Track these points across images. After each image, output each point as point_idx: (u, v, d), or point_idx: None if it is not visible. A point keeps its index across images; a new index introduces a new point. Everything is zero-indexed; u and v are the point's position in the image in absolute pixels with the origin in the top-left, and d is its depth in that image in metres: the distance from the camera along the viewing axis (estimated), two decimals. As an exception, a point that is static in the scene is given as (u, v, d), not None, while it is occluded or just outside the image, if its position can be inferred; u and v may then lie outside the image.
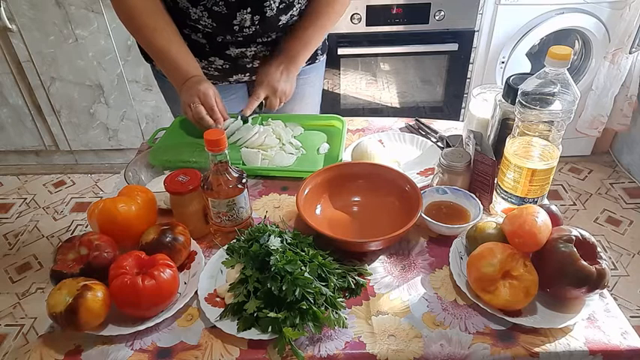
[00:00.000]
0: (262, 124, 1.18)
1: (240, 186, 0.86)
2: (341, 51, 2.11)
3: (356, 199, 1.00)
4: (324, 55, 1.40)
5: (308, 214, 0.90)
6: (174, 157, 1.07)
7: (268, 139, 1.13)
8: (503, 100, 0.96)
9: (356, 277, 0.83)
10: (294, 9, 1.14)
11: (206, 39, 1.16)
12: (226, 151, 0.83)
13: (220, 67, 1.22)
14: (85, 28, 2.14)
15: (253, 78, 1.26)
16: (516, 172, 0.88)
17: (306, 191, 0.95)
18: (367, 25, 2.06)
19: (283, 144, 1.14)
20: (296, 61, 1.19)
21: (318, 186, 0.98)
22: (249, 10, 1.07)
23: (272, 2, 1.08)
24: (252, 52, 1.21)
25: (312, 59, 1.33)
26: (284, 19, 1.14)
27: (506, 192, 0.92)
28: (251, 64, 1.23)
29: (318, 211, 0.97)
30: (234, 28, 1.10)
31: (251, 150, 1.11)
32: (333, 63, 2.17)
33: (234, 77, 1.27)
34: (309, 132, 1.21)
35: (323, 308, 0.76)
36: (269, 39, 1.20)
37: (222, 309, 0.77)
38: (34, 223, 2.28)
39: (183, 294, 0.81)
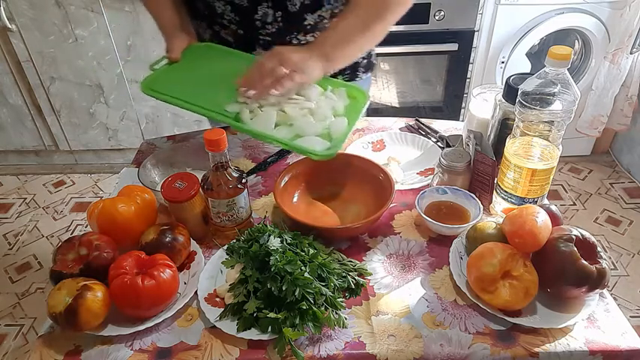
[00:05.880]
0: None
1: (240, 186, 0.86)
2: (341, 51, 2.11)
3: (333, 188, 1.02)
4: (369, 74, 1.26)
5: (287, 205, 0.94)
6: (178, 92, 0.94)
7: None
8: (504, 100, 0.96)
9: (356, 277, 0.83)
10: (324, 10, 1.05)
11: (233, 37, 1.12)
12: (226, 151, 0.83)
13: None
14: (85, 28, 2.13)
15: None
16: (516, 172, 0.88)
17: (283, 182, 0.98)
18: (367, 25, 2.06)
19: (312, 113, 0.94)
20: (324, 51, 0.94)
21: (296, 177, 1.00)
22: (270, 4, 1.03)
23: None
24: None
25: (352, 75, 1.19)
26: (310, 19, 1.06)
27: (506, 192, 0.92)
28: None
29: (295, 200, 1.00)
30: (257, 23, 1.06)
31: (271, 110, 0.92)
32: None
33: None
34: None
35: (323, 308, 0.76)
36: (297, 43, 1.11)
37: (222, 309, 0.77)
38: (34, 223, 2.28)
39: (183, 294, 0.81)
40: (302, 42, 1.11)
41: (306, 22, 1.07)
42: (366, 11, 0.96)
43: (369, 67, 1.26)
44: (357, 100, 0.99)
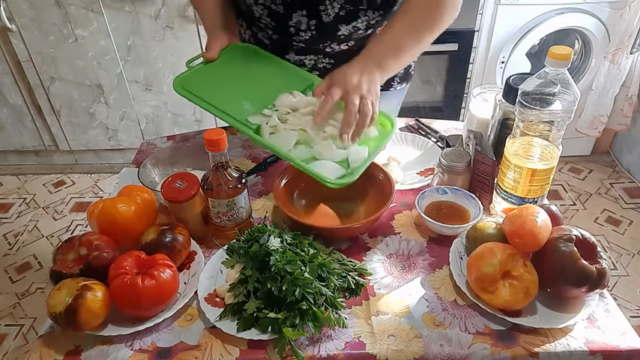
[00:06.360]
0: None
1: (240, 186, 0.86)
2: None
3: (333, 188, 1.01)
4: (404, 85, 1.23)
5: (287, 205, 0.94)
6: (206, 94, 0.93)
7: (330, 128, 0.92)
8: (504, 100, 0.96)
9: (356, 277, 0.83)
10: (359, 21, 1.03)
11: (269, 40, 1.13)
12: (226, 151, 0.83)
13: None
14: (84, 28, 2.13)
15: None
16: (516, 172, 0.88)
17: (283, 182, 0.97)
18: (367, 25, 2.06)
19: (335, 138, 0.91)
20: (377, 60, 0.95)
21: (296, 177, 0.99)
22: (304, 12, 1.02)
23: (328, 7, 1.01)
24: (312, 62, 1.14)
25: (386, 85, 1.13)
26: (345, 30, 1.05)
27: (506, 192, 0.92)
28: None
29: (295, 200, 1.00)
30: (290, 30, 1.06)
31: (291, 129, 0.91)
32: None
33: None
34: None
35: (323, 308, 0.76)
36: (331, 51, 1.11)
37: (222, 309, 0.77)
38: (34, 223, 2.28)
39: (183, 294, 0.81)
40: (335, 50, 1.11)
41: (339, 33, 1.06)
42: (418, 19, 0.98)
43: (405, 78, 1.24)
44: (384, 127, 0.96)
